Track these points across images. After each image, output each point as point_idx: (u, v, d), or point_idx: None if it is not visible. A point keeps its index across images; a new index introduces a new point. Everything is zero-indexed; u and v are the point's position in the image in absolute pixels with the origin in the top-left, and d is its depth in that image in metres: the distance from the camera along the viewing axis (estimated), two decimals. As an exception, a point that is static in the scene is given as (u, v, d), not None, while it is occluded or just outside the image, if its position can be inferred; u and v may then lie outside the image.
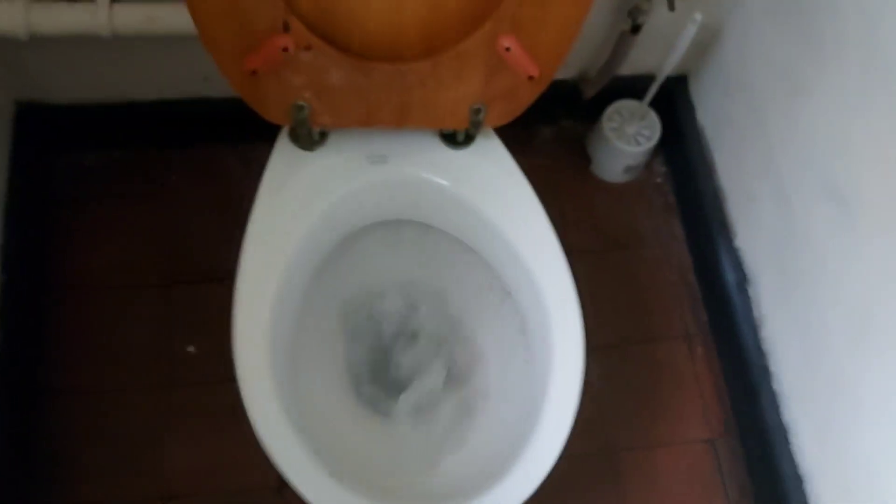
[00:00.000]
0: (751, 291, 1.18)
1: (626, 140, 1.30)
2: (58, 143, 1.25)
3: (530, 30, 0.78)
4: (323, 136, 0.91)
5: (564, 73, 1.28)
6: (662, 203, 1.36)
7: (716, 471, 1.18)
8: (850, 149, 0.93)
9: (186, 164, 1.29)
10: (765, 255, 1.14)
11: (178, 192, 1.27)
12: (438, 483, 0.89)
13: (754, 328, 1.16)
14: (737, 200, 1.22)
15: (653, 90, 1.24)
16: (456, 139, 0.93)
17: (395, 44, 0.80)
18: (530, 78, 0.83)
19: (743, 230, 1.20)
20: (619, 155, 1.30)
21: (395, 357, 1.00)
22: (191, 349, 1.17)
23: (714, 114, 1.26)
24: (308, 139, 0.91)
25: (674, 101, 1.32)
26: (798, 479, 1.07)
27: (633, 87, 1.27)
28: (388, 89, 0.83)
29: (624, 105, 1.31)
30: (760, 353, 1.15)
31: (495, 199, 0.91)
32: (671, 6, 1.06)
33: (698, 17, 1.06)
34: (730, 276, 1.21)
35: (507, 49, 0.80)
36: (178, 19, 0.97)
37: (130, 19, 0.97)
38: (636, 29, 1.12)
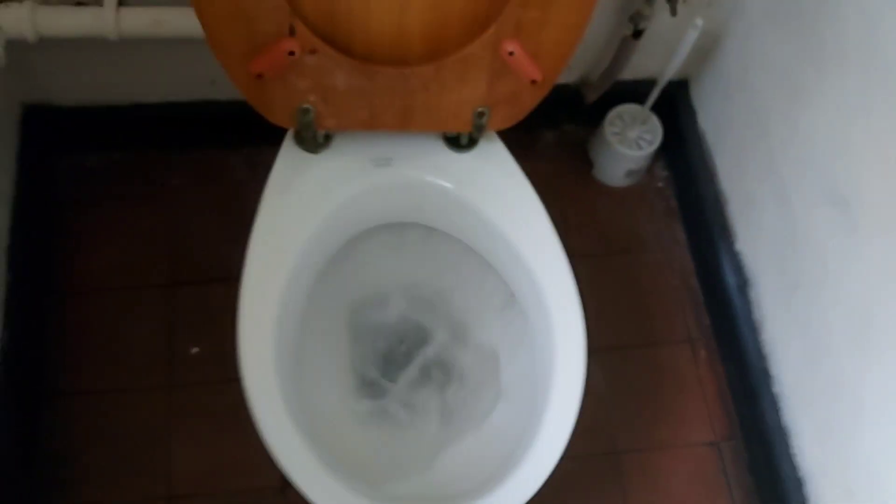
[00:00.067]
0: (752, 294, 1.18)
1: (628, 144, 1.30)
2: (62, 145, 1.25)
3: (533, 34, 0.79)
4: (328, 138, 0.92)
5: (567, 77, 1.29)
6: (664, 207, 1.37)
7: (720, 473, 1.18)
8: (851, 151, 0.94)
9: (190, 166, 1.29)
10: (765, 258, 1.15)
11: (181, 194, 1.28)
12: (441, 484, 0.89)
13: (755, 331, 1.16)
14: (738, 204, 1.22)
15: (654, 94, 1.24)
16: (459, 142, 0.93)
17: (399, 48, 0.80)
18: (533, 82, 0.84)
19: (744, 233, 1.21)
20: (621, 159, 1.31)
21: (398, 358, 1.00)
22: (195, 350, 1.18)
23: (715, 118, 1.26)
24: (313, 142, 0.91)
25: (675, 106, 1.33)
26: (799, 481, 1.07)
27: (635, 92, 1.28)
28: (392, 93, 0.84)
29: (626, 109, 1.32)
30: (761, 356, 1.15)
31: (498, 202, 0.92)
32: (673, 11, 1.07)
33: (699, 22, 1.07)
34: (731, 280, 1.21)
35: (511, 53, 0.80)
36: (185, 22, 0.98)
37: (137, 22, 0.98)
38: (638, 34, 1.12)
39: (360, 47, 0.80)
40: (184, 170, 1.29)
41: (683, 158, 1.33)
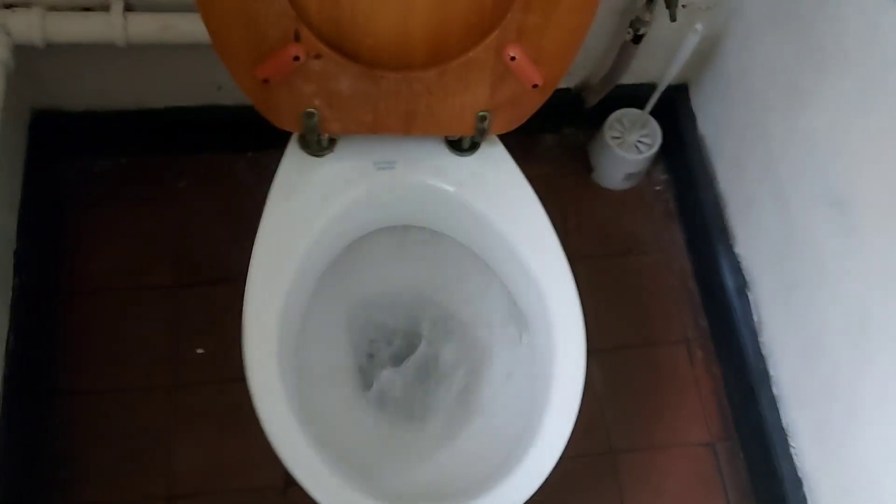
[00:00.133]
0: (750, 296, 1.19)
1: (628, 148, 1.31)
2: (70, 150, 1.26)
3: (535, 39, 0.80)
4: (332, 142, 0.93)
5: (567, 82, 1.29)
6: (663, 209, 1.38)
7: (716, 473, 1.19)
8: (849, 152, 0.94)
9: (196, 170, 1.30)
10: (764, 260, 1.15)
11: (187, 197, 1.29)
12: (441, 482, 0.90)
13: (753, 332, 1.17)
14: (737, 207, 1.23)
15: (654, 99, 1.25)
16: (461, 146, 0.94)
17: (402, 53, 0.81)
18: (535, 86, 0.85)
19: (742, 236, 1.21)
20: (621, 162, 1.32)
21: (400, 358, 1.00)
22: (200, 351, 1.19)
23: (714, 122, 1.27)
24: (317, 145, 0.92)
25: (675, 110, 1.34)
26: (797, 481, 1.07)
27: (635, 96, 1.28)
28: (396, 97, 0.85)
29: (625, 113, 1.32)
30: (759, 357, 1.16)
31: (499, 205, 0.93)
32: (672, 17, 1.07)
33: (699, 27, 1.08)
34: (729, 282, 1.22)
35: (513, 58, 0.81)
36: (192, 28, 0.99)
37: (145, 28, 0.99)
38: (638, 39, 1.13)
39: (365, 52, 0.81)
40: (189, 173, 1.30)
41: (683, 162, 1.34)
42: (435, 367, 1.00)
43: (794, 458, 1.09)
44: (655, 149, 1.31)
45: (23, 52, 1.00)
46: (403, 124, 0.88)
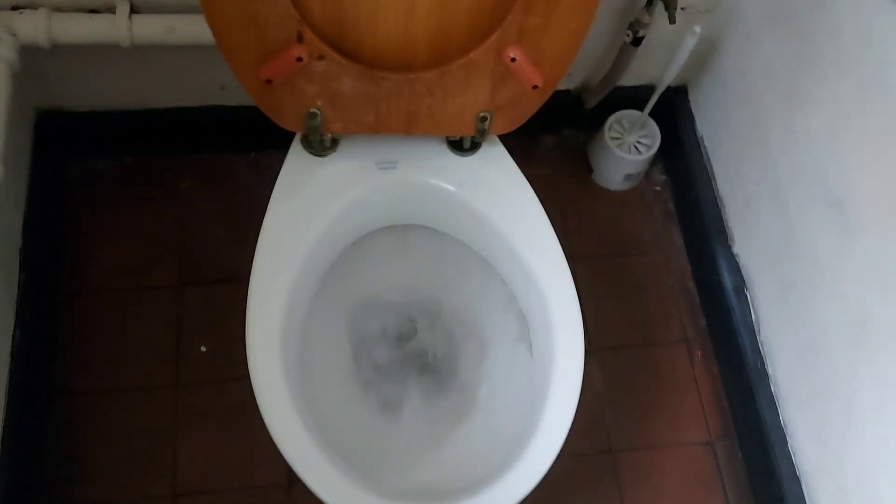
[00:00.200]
0: (748, 296, 1.19)
1: (627, 149, 1.32)
2: (74, 149, 1.27)
3: (535, 41, 0.81)
4: (334, 142, 0.94)
5: (567, 83, 1.30)
6: (662, 210, 1.38)
7: (715, 472, 1.19)
8: (846, 154, 0.95)
9: (199, 170, 1.31)
10: (762, 260, 1.16)
11: (190, 197, 1.29)
12: (441, 480, 0.90)
13: (752, 332, 1.17)
14: (735, 207, 1.23)
15: (653, 100, 1.25)
16: (462, 146, 0.95)
17: (404, 54, 0.82)
18: (535, 87, 0.85)
19: (741, 236, 1.22)
20: (620, 163, 1.32)
21: (401, 356, 1.01)
22: (203, 349, 1.19)
23: (713, 123, 1.28)
24: (320, 145, 0.93)
25: (674, 111, 1.34)
26: (795, 480, 1.08)
27: (634, 98, 1.29)
28: (398, 98, 0.86)
29: (625, 115, 1.33)
30: (758, 356, 1.16)
31: (500, 205, 0.93)
32: (671, 19, 1.08)
33: (698, 29, 1.08)
34: (728, 282, 1.22)
35: (513, 59, 0.82)
36: (196, 29, 1.00)
37: (149, 29, 1.00)
38: (637, 41, 1.13)
39: (367, 54, 0.82)
40: (193, 173, 1.31)
41: (681, 163, 1.34)
42: (435, 364, 1.00)
43: (793, 456, 1.09)
44: (654, 150, 1.32)
45: (28, 52, 1.00)
46: (405, 125, 0.89)
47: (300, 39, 0.79)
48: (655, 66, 1.23)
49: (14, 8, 0.99)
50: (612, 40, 1.20)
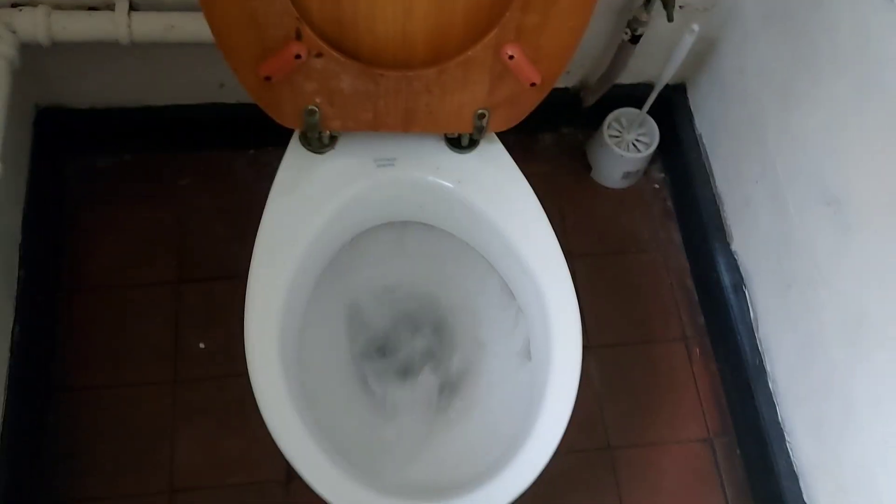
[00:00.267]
0: (746, 293, 1.19)
1: (626, 147, 1.32)
2: (74, 146, 1.27)
3: (533, 39, 0.81)
4: (333, 139, 0.94)
5: (566, 81, 1.30)
6: (660, 208, 1.38)
7: (713, 469, 1.20)
8: (843, 152, 0.95)
9: (198, 167, 1.31)
10: (760, 258, 1.16)
11: (189, 194, 1.30)
12: (436, 476, 0.91)
13: (750, 329, 1.18)
14: (733, 205, 1.23)
15: (652, 98, 1.26)
16: (460, 143, 0.95)
17: (403, 52, 0.82)
18: (532, 85, 0.85)
19: (739, 234, 1.22)
20: (619, 161, 1.33)
21: (399, 352, 1.01)
22: (202, 346, 1.20)
23: (711, 121, 1.28)
24: (318, 142, 0.93)
25: (672, 109, 1.34)
26: (793, 477, 1.08)
27: (633, 96, 1.29)
28: (396, 95, 0.86)
29: (623, 113, 1.33)
30: (756, 353, 1.16)
31: (498, 202, 0.94)
32: (669, 17, 1.08)
33: (696, 27, 1.08)
34: (726, 279, 1.22)
35: (511, 57, 0.82)
36: (196, 27, 1.00)
37: (149, 27, 1.00)
38: (635, 39, 1.14)
39: (365, 51, 0.82)
40: (192, 170, 1.31)
41: (680, 161, 1.35)
42: (433, 361, 1.00)
43: (791, 453, 1.09)
44: (653, 148, 1.32)
45: (28, 50, 1.01)
46: (403, 122, 0.89)
47: (299, 37, 0.79)
48: (654, 64, 1.24)
49: (14, 5, 0.99)
50: (610, 38, 1.20)
